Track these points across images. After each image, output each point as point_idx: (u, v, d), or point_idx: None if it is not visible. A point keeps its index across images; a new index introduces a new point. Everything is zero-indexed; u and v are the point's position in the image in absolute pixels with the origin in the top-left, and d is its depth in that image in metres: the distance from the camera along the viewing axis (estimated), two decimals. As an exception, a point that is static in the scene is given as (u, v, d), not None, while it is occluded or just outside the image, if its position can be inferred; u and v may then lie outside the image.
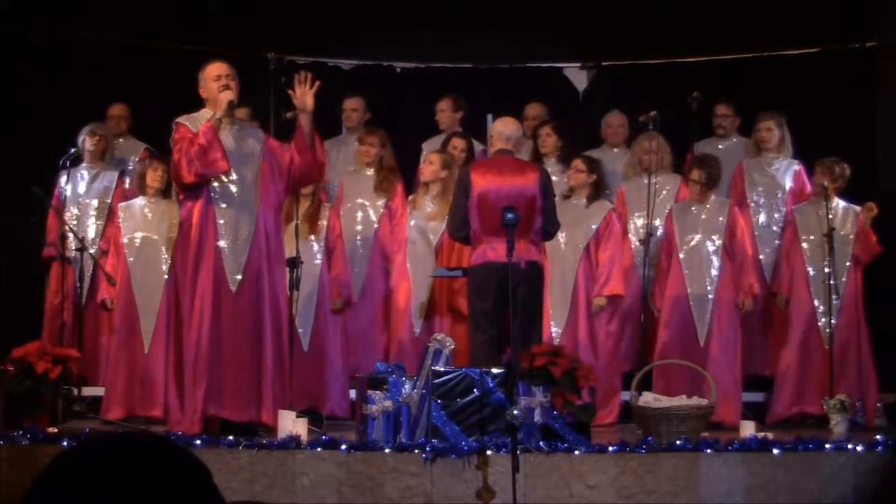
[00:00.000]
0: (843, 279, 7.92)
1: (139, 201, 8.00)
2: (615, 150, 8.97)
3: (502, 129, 7.30)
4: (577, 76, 10.39)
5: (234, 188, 6.58)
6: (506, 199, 6.80)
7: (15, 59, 8.92)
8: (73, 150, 8.02)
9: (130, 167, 8.63)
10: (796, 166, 8.53)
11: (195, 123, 6.59)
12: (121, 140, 8.81)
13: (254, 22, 9.45)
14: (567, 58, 10.34)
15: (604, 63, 10.30)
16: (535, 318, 7.09)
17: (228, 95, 6.57)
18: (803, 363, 7.91)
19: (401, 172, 8.65)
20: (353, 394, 7.52)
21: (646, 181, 8.01)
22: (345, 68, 10.36)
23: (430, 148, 8.67)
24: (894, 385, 7.93)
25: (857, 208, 8.01)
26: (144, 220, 7.90)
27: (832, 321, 7.78)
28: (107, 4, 9.25)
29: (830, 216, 7.82)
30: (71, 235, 7.70)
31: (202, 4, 9.41)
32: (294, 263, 6.93)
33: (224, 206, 6.55)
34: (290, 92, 6.72)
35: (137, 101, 9.00)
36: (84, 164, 8.35)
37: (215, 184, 6.54)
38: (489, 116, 8.90)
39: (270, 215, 6.72)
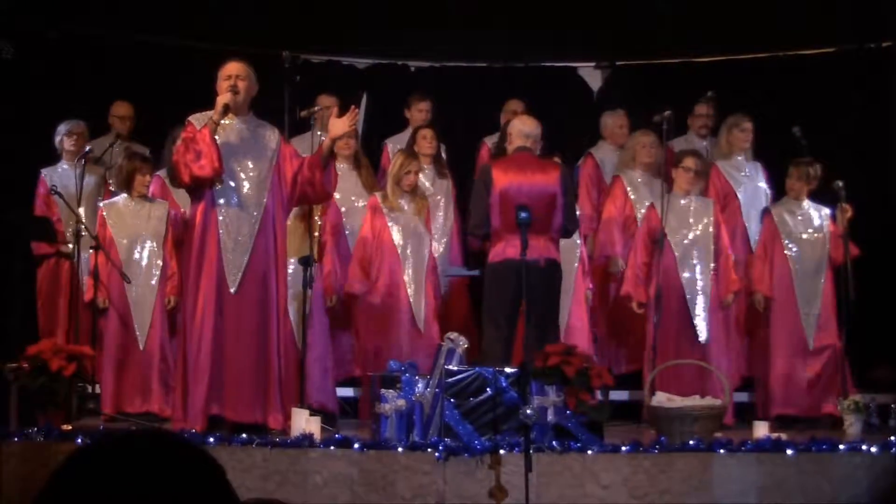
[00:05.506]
0: (822, 281, 7.97)
1: (123, 200, 7.81)
2: (615, 148, 8.95)
3: (521, 126, 7.35)
4: (592, 76, 10.39)
5: (240, 185, 6.52)
6: (527, 196, 6.84)
7: (26, 56, 8.93)
8: (88, 148, 8.01)
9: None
10: (761, 167, 8.60)
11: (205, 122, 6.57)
12: (125, 140, 8.67)
13: (269, 20, 9.46)
14: (582, 57, 10.33)
15: (618, 63, 10.30)
16: (551, 317, 7.09)
17: (224, 99, 6.49)
18: (790, 365, 7.89)
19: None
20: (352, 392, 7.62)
21: (639, 178, 8.12)
22: (359, 67, 10.38)
23: (394, 143, 8.72)
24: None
25: (827, 210, 7.99)
26: (133, 219, 7.73)
27: (814, 323, 7.89)
28: (122, 2, 9.27)
29: (811, 216, 7.94)
30: (86, 234, 7.68)
31: (217, 2, 9.42)
32: (308, 262, 6.90)
33: (226, 205, 6.49)
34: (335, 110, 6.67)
35: (147, 100, 8.99)
36: (63, 163, 8.33)
37: (218, 184, 6.49)
38: (502, 116, 8.89)
39: (280, 214, 6.67)
